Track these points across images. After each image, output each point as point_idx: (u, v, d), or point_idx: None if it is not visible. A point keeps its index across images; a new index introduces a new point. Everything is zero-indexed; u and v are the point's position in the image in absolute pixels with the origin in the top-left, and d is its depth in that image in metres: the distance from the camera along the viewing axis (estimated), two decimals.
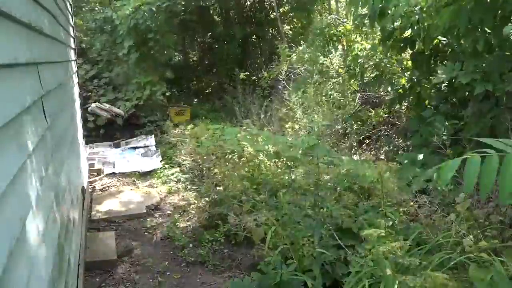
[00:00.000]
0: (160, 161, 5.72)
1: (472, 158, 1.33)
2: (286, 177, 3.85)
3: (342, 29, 6.61)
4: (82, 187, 3.86)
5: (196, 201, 3.96)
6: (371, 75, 5.74)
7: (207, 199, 3.74)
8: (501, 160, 1.30)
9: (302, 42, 7.48)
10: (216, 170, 4.24)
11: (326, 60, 6.76)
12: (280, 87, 7.61)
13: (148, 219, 3.98)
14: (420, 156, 4.12)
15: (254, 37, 10.40)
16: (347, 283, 2.25)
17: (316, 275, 2.44)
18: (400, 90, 5.06)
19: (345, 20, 6.84)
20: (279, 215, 3.03)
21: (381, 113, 5.91)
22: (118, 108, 7.70)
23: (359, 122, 5.90)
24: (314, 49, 6.75)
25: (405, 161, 4.18)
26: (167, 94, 7.78)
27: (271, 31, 10.36)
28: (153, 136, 6.81)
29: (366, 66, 5.61)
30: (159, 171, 5.36)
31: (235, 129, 6.22)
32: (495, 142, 1.37)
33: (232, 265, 3.17)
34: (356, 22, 5.50)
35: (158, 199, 4.43)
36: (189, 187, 4.71)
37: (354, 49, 5.83)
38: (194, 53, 10.92)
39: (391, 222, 2.85)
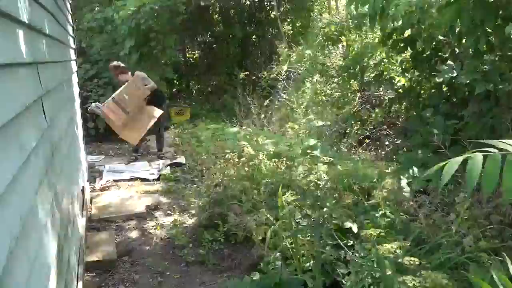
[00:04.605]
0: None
1: (474, 157, 1.32)
2: (286, 177, 3.85)
3: (342, 28, 6.61)
4: (82, 187, 3.86)
5: (196, 201, 3.96)
6: (371, 75, 5.74)
7: (207, 198, 3.73)
8: (504, 159, 1.29)
9: (302, 41, 7.48)
10: (216, 170, 4.24)
11: (326, 60, 6.76)
12: (280, 86, 7.61)
13: (148, 219, 3.98)
14: (420, 156, 4.11)
15: (254, 37, 10.40)
16: (347, 283, 2.26)
17: (316, 275, 2.44)
18: (400, 90, 5.06)
19: (344, 22, 6.83)
20: (279, 215, 3.03)
21: (381, 113, 5.91)
22: None
23: (359, 122, 5.89)
24: (314, 49, 6.75)
25: (405, 161, 4.17)
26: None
27: (271, 31, 10.35)
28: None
29: (365, 64, 5.61)
30: None
31: (235, 129, 6.23)
32: (497, 142, 1.36)
33: (232, 265, 3.17)
34: (355, 22, 5.50)
35: (158, 198, 4.43)
36: (189, 186, 4.72)
37: (354, 48, 5.83)
38: (194, 53, 10.92)
39: (391, 222, 2.85)
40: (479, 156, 1.32)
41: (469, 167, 1.31)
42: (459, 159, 1.38)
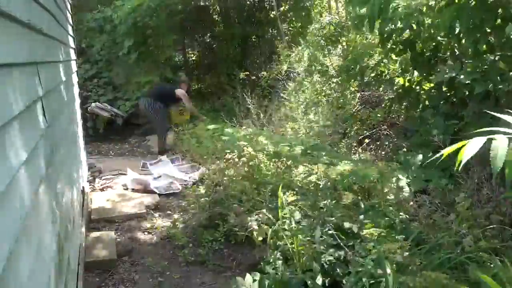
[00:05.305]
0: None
1: (498, 138, 1.22)
2: (286, 177, 3.85)
3: (341, 29, 6.60)
4: (82, 187, 3.86)
5: (196, 201, 3.96)
6: (371, 75, 5.73)
7: (207, 198, 3.73)
8: None
9: (302, 41, 7.46)
10: (216, 170, 4.24)
11: (326, 60, 6.75)
12: (280, 87, 7.61)
13: (148, 219, 3.98)
14: (420, 156, 4.11)
15: (254, 37, 10.38)
16: (347, 283, 2.26)
17: (316, 275, 2.44)
18: (400, 90, 5.05)
19: (343, 22, 6.83)
20: (279, 215, 3.03)
21: (381, 113, 5.91)
22: (118, 108, 7.71)
23: (359, 122, 5.89)
24: (314, 49, 6.74)
25: (405, 161, 4.17)
26: None
27: (271, 30, 10.34)
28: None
29: (364, 65, 5.60)
30: None
31: (235, 129, 6.22)
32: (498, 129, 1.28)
33: (232, 265, 3.17)
34: (355, 22, 5.49)
35: (158, 199, 4.43)
36: (189, 186, 4.71)
37: (354, 49, 5.82)
38: (194, 52, 10.91)
39: (391, 222, 2.85)
40: (503, 137, 1.21)
41: (494, 148, 1.20)
42: (482, 138, 1.26)
